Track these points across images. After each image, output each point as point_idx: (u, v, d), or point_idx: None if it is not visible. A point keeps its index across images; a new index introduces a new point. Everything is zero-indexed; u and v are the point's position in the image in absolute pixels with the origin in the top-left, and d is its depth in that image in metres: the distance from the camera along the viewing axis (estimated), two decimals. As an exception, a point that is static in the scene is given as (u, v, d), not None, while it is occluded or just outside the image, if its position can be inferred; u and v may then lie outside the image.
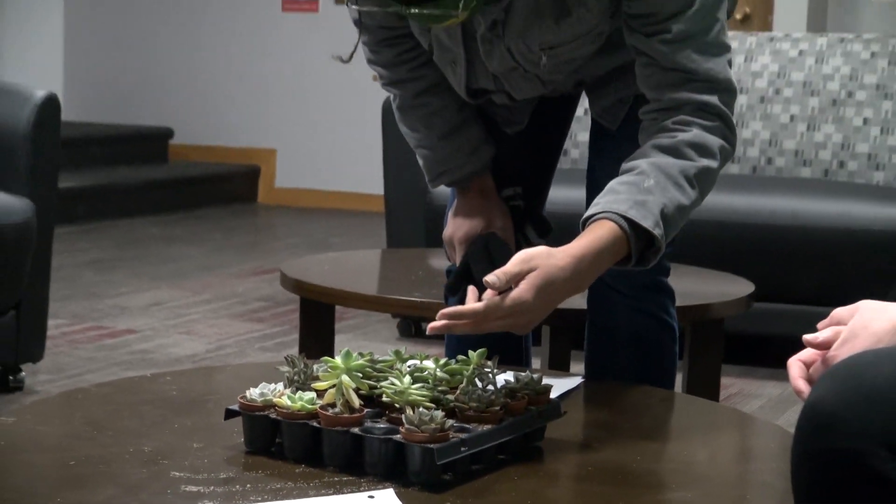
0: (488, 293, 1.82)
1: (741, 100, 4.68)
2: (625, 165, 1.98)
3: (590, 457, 1.78)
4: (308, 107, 7.89)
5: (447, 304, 2.38)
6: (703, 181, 1.98)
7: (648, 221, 1.89)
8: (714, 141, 1.97)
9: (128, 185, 7.23)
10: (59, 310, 4.58)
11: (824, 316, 1.64)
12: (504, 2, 1.95)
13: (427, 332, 1.84)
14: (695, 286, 3.07)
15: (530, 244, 2.24)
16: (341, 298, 3.03)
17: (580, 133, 4.58)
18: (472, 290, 1.91)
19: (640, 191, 1.91)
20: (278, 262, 5.20)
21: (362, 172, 7.55)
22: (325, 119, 7.82)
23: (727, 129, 2.00)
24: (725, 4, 2.01)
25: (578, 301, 2.29)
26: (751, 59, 4.74)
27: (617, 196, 1.92)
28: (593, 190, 2.26)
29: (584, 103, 2.46)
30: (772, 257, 4.04)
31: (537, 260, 1.84)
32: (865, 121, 4.61)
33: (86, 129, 7.70)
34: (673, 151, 1.96)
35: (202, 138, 8.13)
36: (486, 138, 2.22)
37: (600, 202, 1.93)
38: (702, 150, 1.97)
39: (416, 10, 1.75)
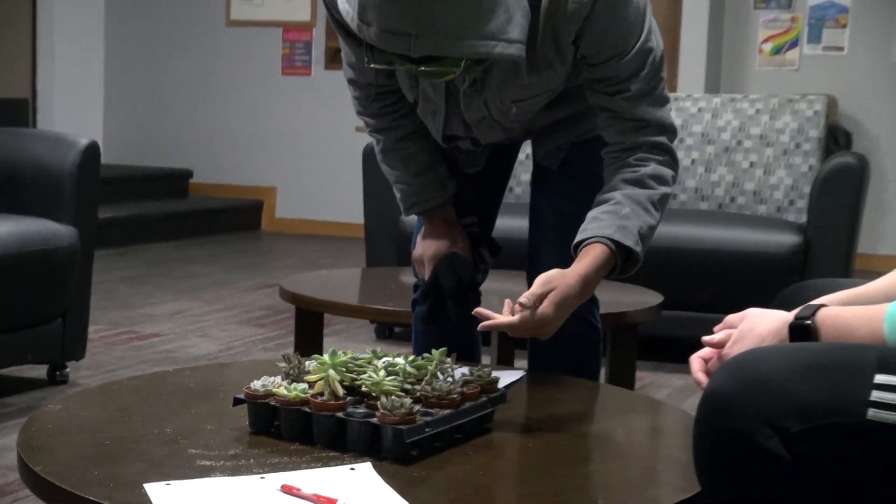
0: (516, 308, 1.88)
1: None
2: (600, 197, 2.03)
3: (530, 436, 1.78)
4: (302, 152, 7.89)
5: (413, 311, 2.39)
6: (663, 204, 2.04)
7: (630, 241, 1.96)
8: (667, 172, 2.04)
9: (155, 215, 7.22)
10: (98, 317, 4.57)
11: (719, 321, 1.65)
12: (485, 64, 1.95)
13: (480, 327, 1.91)
14: (615, 297, 3.08)
15: (485, 262, 2.26)
16: (328, 307, 3.03)
17: (522, 174, 4.59)
18: (507, 304, 1.92)
19: (620, 217, 1.97)
20: (278, 278, 5.18)
21: (346, 205, 7.56)
22: (317, 162, 7.83)
23: (673, 162, 2.06)
24: (666, 67, 2.04)
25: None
26: (660, 114, 4.77)
27: (601, 223, 1.97)
28: (535, 217, 2.28)
29: (524, 150, 2.47)
30: (677, 274, 4.05)
31: (555, 282, 1.90)
32: (751, 164, 4.63)
33: (121, 170, 7.69)
34: (638, 183, 2.01)
35: (216, 177, 8.13)
36: (451, 176, 2.24)
37: (588, 228, 1.98)
38: (659, 180, 2.03)
39: (424, 68, 1.76)
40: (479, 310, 1.91)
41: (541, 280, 1.91)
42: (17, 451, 1.58)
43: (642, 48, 1.98)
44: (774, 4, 6.93)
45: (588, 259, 1.95)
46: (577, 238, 1.99)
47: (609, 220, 1.97)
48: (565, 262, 2.09)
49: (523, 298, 1.88)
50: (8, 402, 3.42)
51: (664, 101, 2.05)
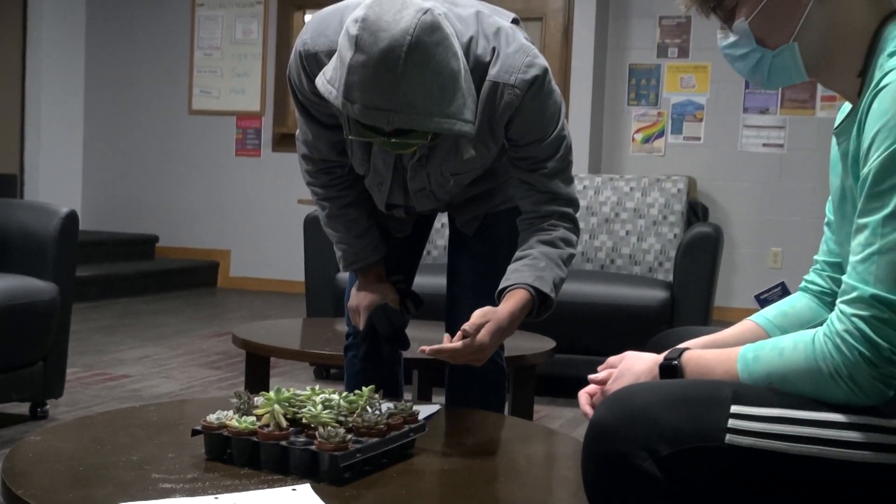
0: (458, 336, 1.91)
1: (546, 218, 4.75)
2: (520, 253, 2.07)
3: (446, 460, 1.77)
4: (253, 221, 7.84)
5: (346, 355, 2.37)
6: (569, 262, 2.10)
7: (547, 288, 2.01)
8: (573, 237, 2.10)
9: (126, 274, 7.11)
10: (75, 361, 4.48)
11: (602, 362, 1.66)
12: (434, 141, 1.98)
13: (425, 353, 1.91)
14: (516, 343, 3.08)
15: (409, 312, 2.26)
16: (274, 352, 2.99)
17: (437, 240, 4.61)
18: (447, 337, 1.93)
19: (538, 269, 2.01)
20: (231, 327, 5.12)
21: (289, 265, 7.52)
22: (265, 229, 7.78)
23: (577, 230, 2.12)
24: (573, 151, 2.10)
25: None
26: (552, 190, 4.82)
27: (522, 273, 2.01)
28: (453, 275, 2.30)
29: (440, 219, 2.49)
30: (568, 323, 4.08)
31: (490, 315, 1.94)
32: (627, 232, 4.70)
33: (97, 235, 7.58)
34: (551, 244, 2.06)
35: (179, 242, 8.03)
36: (383, 240, 2.24)
37: (511, 277, 2.02)
38: (567, 242, 2.08)
39: (395, 140, 1.77)
40: (431, 349, 1.90)
41: (479, 313, 1.94)
42: (1, 477, 1.53)
43: (559, 135, 2.02)
44: (644, 102, 7.06)
45: (513, 301, 1.98)
46: (502, 285, 2.02)
47: (529, 272, 2.01)
48: (473, 311, 2.11)
49: (466, 326, 1.90)
50: (-6, 434, 3.33)
51: (572, 181, 2.11)
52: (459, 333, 1.91)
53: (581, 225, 4.71)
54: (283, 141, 7.72)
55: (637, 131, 7.07)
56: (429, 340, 2.92)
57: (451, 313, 2.28)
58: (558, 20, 6.97)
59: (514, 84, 1.91)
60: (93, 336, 5.35)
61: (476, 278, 2.22)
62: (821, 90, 6.66)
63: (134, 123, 8.14)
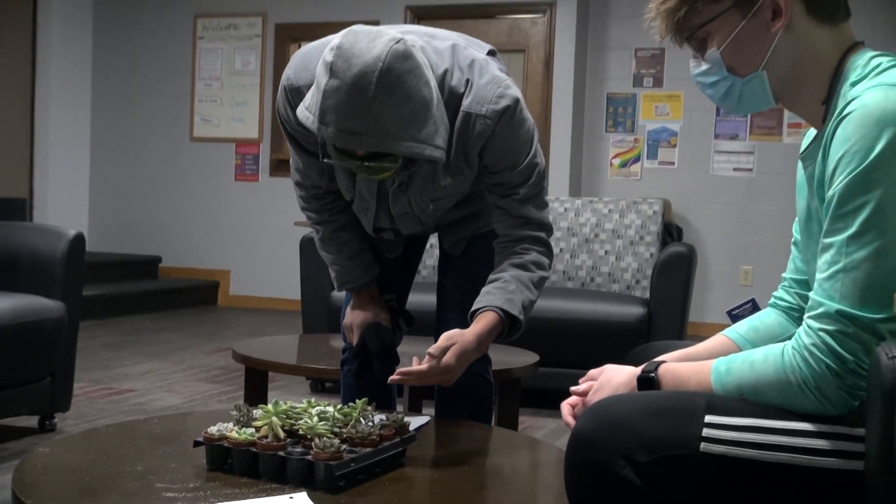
0: (426, 360, 1.92)
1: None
2: (492, 276, 2.06)
3: (435, 469, 1.76)
4: (251, 242, 7.82)
5: (342, 370, 2.36)
6: (540, 285, 2.09)
7: (515, 311, 2.00)
8: (545, 260, 2.08)
9: (130, 293, 7.08)
10: (81, 376, 4.45)
11: (583, 375, 1.66)
12: (411, 168, 1.98)
13: (389, 382, 1.91)
14: (501, 357, 3.08)
15: (401, 330, 2.26)
16: (272, 367, 2.98)
17: (428, 259, 4.61)
18: (416, 359, 1.94)
19: (508, 292, 2.01)
20: (231, 343, 5.10)
21: (286, 285, 7.50)
22: (263, 250, 7.76)
23: (549, 253, 2.10)
24: (547, 179, 2.10)
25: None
26: (535, 212, 4.82)
27: (493, 296, 2.01)
28: (442, 294, 2.30)
29: (430, 241, 2.49)
30: (550, 338, 4.08)
31: (455, 338, 1.94)
32: (606, 252, 4.70)
33: (103, 256, 7.56)
34: (522, 267, 2.05)
35: (181, 262, 8.01)
36: (375, 261, 2.24)
37: (482, 300, 2.02)
38: (539, 265, 2.07)
39: (368, 164, 1.77)
40: (399, 371, 1.90)
41: (444, 336, 1.94)
42: (12, 488, 1.52)
43: (531, 162, 2.02)
44: (621, 129, 7.09)
45: (482, 323, 1.98)
46: (473, 307, 2.02)
47: (499, 294, 2.00)
48: (461, 327, 2.11)
49: (431, 350, 1.90)
50: (4, 447, 3.30)
51: (545, 205, 2.09)
52: (427, 356, 1.90)
53: (562, 245, 4.75)
54: (280, 166, 7.72)
55: (615, 156, 7.10)
56: (420, 355, 2.92)
57: (439, 330, 2.27)
58: (540, 52, 7.00)
59: (485, 114, 1.91)
60: (99, 352, 5.32)
61: (462, 296, 2.22)
62: (787, 117, 6.70)
63: (138, 150, 8.13)
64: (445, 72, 1.91)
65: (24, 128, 7.76)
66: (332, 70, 1.70)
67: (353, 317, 2.20)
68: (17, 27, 7.64)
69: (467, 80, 1.92)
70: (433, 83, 1.78)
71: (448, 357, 1.91)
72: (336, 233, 2.21)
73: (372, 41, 1.71)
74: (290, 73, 1.98)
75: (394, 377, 1.89)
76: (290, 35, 7.64)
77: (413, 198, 2.06)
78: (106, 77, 8.18)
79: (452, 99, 1.91)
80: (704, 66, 1.49)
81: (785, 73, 1.45)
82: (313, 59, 1.93)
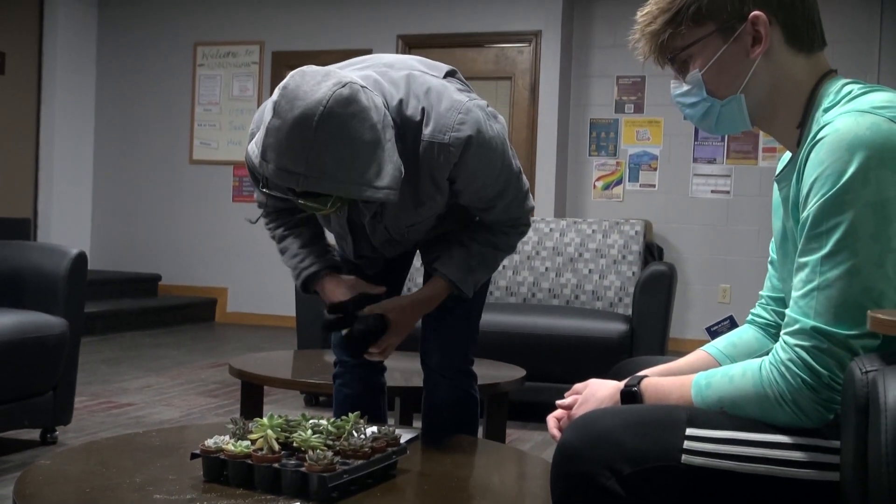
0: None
1: (516, 257, 4.76)
2: (464, 238, 2.09)
3: (426, 480, 1.75)
4: (248, 261, 7.81)
5: (334, 384, 2.33)
6: (500, 261, 2.14)
7: (468, 290, 2.09)
8: (517, 241, 2.14)
9: (130, 310, 7.05)
10: (82, 390, 4.42)
11: (568, 389, 1.65)
12: (377, 205, 1.96)
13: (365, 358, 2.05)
14: (491, 372, 3.08)
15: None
16: (267, 381, 2.97)
17: (417, 278, 4.60)
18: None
19: (469, 269, 2.08)
20: (227, 359, 5.08)
21: (282, 302, 7.48)
22: (259, 268, 7.75)
23: (525, 230, 2.14)
24: (524, 178, 2.08)
25: (417, 381, 2.28)
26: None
27: (454, 266, 2.07)
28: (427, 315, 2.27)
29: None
30: (537, 354, 4.07)
31: (392, 314, 2.04)
32: (590, 270, 4.71)
33: (104, 274, 7.53)
34: (494, 246, 2.10)
35: (180, 280, 7.98)
36: (330, 253, 2.16)
37: (445, 264, 2.08)
38: (509, 247, 2.12)
39: (302, 202, 1.75)
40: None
41: (381, 307, 2.04)
42: (13, 499, 1.50)
43: (507, 174, 1.99)
44: (604, 153, 7.11)
45: (431, 290, 2.09)
46: (435, 264, 2.09)
47: (460, 268, 2.07)
48: (445, 346, 2.12)
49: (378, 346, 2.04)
50: (6, 459, 3.27)
51: (523, 200, 2.08)
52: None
53: (548, 264, 4.76)
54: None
55: (598, 179, 7.12)
56: (408, 369, 2.91)
57: (423, 346, 2.26)
58: (526, 79, 7.03)
59: (448, 143, 1.85)
60: (99, 367, 5.29)
61: (442, 313, 2.19)
62: (763, 142, 6.73)
63: (139, 172, 8.12)
64: (401, 102, 1.85)
65: (29, 150, 7.75)
66: (275, 110, 1.67)
67: (331, 294, 2.08)
68: (23, 54, 7.63)
69: (422, 109, 1.86)
70: (379, 126, 1.72)
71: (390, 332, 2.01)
72: (294, 228, 2.17)
73: (318, 84, 1.67)
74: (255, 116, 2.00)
75: (370, 357, 2.01)
76: (286, 62, 7.66)
77: (390, 226, 2.03)
78: (109, 102, 8.17)
79: (409, 127, 1.85)
80: (685, 88, 1.50)
81: (762, 98, 1.46)
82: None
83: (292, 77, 1.70)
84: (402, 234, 2.06)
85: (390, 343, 2.04)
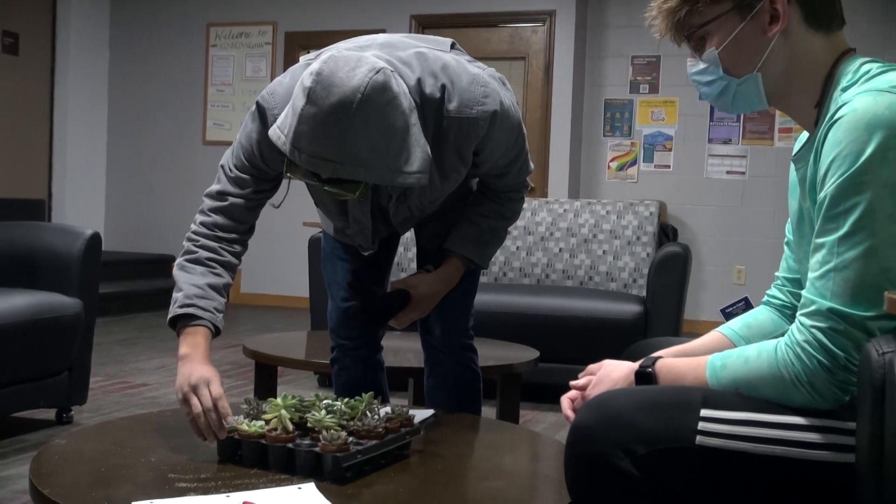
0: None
1: (530, 238, 4.75)
2: (472, 215, 2.13)
3: (439, 460, 1.75)
4: (262, 242, 7.78)
5: (332, 368, 2.33)
6: (506, 228, 2.17)
7: (485, 264, 2.14)
8: (521, 208, 2.18)
9: (145, 291, 7.08)
10: (97, 370, 4.45)
11: (582, 370, 1.65)
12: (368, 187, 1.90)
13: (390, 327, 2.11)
14: (503, 353, 3.08)
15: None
16: (281, 362, 2.98)
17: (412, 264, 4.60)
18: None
19: (481, 244, 2.12)
20: (241, 339, 5.10)
21: (295, 283, 7.50)
22: (273, 249, 7.76)
23: (524, 194, 2.17)
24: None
25: (422, 362, 2.31)
26: (535, 213, 4.82)
27: (467, 244, 2.10)
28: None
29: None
30: (550, 335, 4.08)
31: (415, 290, 2.06)
32: (604, 251, 4.70)
33: (119, 255, 7.55)
34: (501, 216, 2.13)
35: (193, 261, 8.01)
36: (220, 309, 1.90)
37: (458, 244, 2.11)
38: (514, 214, 2.16)
39: (328, 188, 1.74)
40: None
41: (403, 282, 2.07)
42: (29, 478, 1.52)
43: (521, 144, 2.02)
44: (618, 133, 7.09)
45: (449, 269, 2.11)
46: (447, 245, 2.12)
47: (473, 244, 2.11)
48: (447, 320, 2.18)
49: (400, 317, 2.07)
50: (23, 438, 3.29)
51: (528, 162, 2.10)
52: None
53: (562, 245, 4.75)
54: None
55: (612, 160, 7.09)
56: (409, 349, 2.91)
57: (423, 326, 2.27)
58: (540, 60, 6.99)
59: (476, 117, 1.86)
60: (114, 348, 5.32)
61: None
62: (779, 122, 6.69)
63: (153, 153, 8.14)
64: (419, 81, 1.85)
65: (43, 132, 7.78)
66: (309, 96, 1.64)
67: (196, 371, 1.75)
68: (37, 37, 7.65)
69: (442, 86, 1.85)
70: (409, 110, 1.73)
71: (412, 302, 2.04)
72: (218, 265, 1.95)
73: (352, 70, 1.65)
74: (266, 94, 1.92)
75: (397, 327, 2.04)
76: (299, 42, 7.64)
77: (413, 205, 2.04)
78: (122, 83, 8.18)
79: (430, 106, 1.85)
80: (702, 66, 1.49)
81: (779, 76, 1.45)
82: (288, 87, 1.87)
83: (325, 63, 1.67)
84: (422, 210, 2.06)
85: (410, 317, 2.07)
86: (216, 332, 1.86)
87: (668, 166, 6.97)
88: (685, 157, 6.92)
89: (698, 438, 1.31)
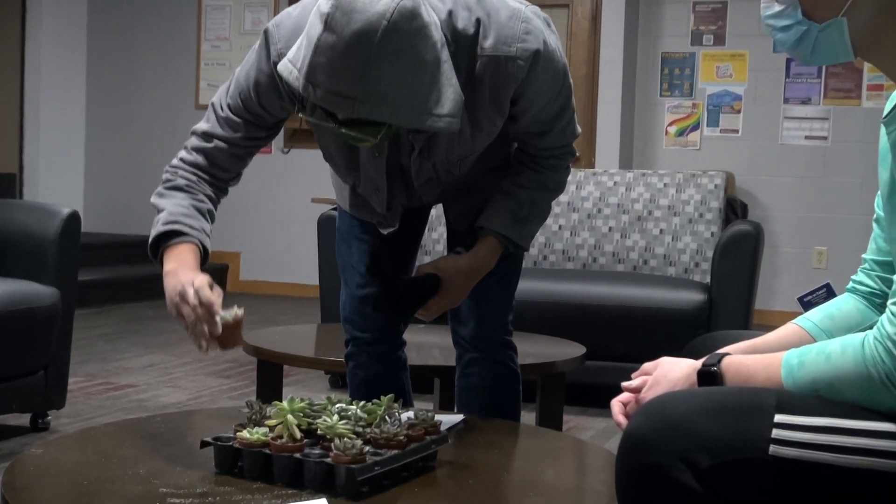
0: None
1: (574, 216, 4.74)
2: (509, 187, 2.09)
3: (470, 474, 1.76)
4: (264, 221, 7.87)
5: (347, 366, 2.35)
6: (549, 202, 2.14)
7: (525, 243, 2.11)
8: (566, 177, 2.15)
9: (129, 278, 7.15)
10: (77, 370, 4.48)
11: (636, 369, 1.65)
12: (425, 138, 1.93)
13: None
14: (544, 349, 3.08)
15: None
16: (287, 360, 3.00)
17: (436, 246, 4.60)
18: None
19: (519, 220, 2.08)
20: (242, 333, 5.13)
21: (303, 269, 7.53)
22: (276, 230, 7.81)
23: (571, 161, 2.15)
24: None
25: (450, 360, 2.31)
26: (580, 187, 4.81)
27: (502, 219, 2.06)
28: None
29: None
30: (598, 328, 4.07)
31: (445, 273, 2.03)
32: (661, 231, 4.68)
33: (100, 237, 7.62)
34: (543, 187, 2.10)
35: (186, 244, 8.07)
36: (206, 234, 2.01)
37: (492, 220, 2.07)
38: (558, 185, 2.13)
39: (345, 131, 1.74)
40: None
41: (433, 265, 2.04)
42: (1, 493, 1.54)
43: (566, 95, 2.00)
44: (678, 92, 7.05)
45: (483, 250, 2.07)
46: (480, 222, 2.08)
47: (509, 219, 2.07)
48: (481, 314, 2.17)
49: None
50: (-7, 447, 3.34)
51: (574, 122, 2.09)
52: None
53: (612, 224, 4.74)
54: (296, 137, 7.67)
55: (671, 124, 7.06)
56: (436, 345, 2.92)
57: (453, 316, 2.25)
58: (586, 7, 6.95)
59: (515, 55, 1.86)
60: (96, 343, 5.37)
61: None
62: (867, 78, 6.62)
63: (139, 119, 8.19)
64: (449, 14, 1.84)
65: (12, 95, 7.84)
66: (328, 23, 1.63)
67: (182, 280, 1.87)
68: (3, -17, 7.69)
69: (477, 20, 1.86)
70: (440, 44, 1.73)
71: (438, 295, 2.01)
72: (199, 191, 2.04)
73: None
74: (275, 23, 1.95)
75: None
76: (306, -10, 7.65)
77: (439, 161, 2.02)
78: (103, 37, 8.23)
79: (462, 43, 1.85)
80: (777, 8, 1.47)
81: (868, 22, 1.43)
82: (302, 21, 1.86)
83: None
84: (448, 170, 2.04)
85: (441, 306, 2.05)
86: (205, 255, 1.93)
87: (737, 131, 6.92)
88: (756, 120, 6.87)
89: (771, 448, 1.31)
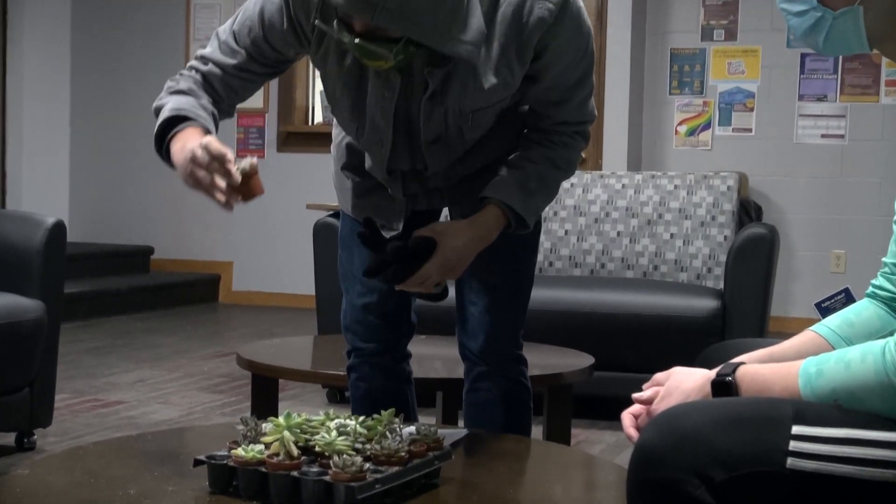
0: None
1: (581, 220, 4.74)
2: (517, 160, 2.06)
3: (475, 490, 1.76)
4: (257, 230, 7.86)
5: (349, 378, 2.34)
6: (558, 181, 2.11)
7: (531, 218, 2.05)
8: (578, 157, 2.12)
9: (118, 290, 7.15)
10: (64, 386, 4.48)
11: (647, 380, 1.65)
12: (448, 67, 1.91)
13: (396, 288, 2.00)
14: (550, 360, 3.08)
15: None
16: (283, 373, 3.00)
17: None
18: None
19: (527, 191, 2.03)
20: (234, 347, 5.13)
21: (299, 278, 7.52)
22: (270, 238, 7.80)
23: (585, 142, 2.12)
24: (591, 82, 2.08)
25: (459, 372, 2.31)
26: (587, 190, 4.81)
27: (509, 190, 2.02)
28: (460, 286, 2.24)
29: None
30: (607, 337, 4.06)
31: (442, 237, 1.98)
32: (672, 235, 4.68)
33: (86, 247, 7.62)
34: (553, 164, 2.07)
35: (176, 253, 8.07)
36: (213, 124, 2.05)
37: (499, 190, 2.02)
38: (569, 165, 2.10)
39: (359, 42, 1.74)
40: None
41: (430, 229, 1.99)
42: (-14, 515, 1.54)
43: (588, 63, 2.00)
44: (688, 90, 7.05)
45: (484, 219, 2.02)
46: (484, 193, 2.03)
47: (516, 191, 2.02)
48: (491, 326, 2.10)
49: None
50: (-24, 468, 3.34)
51: (591, 98, 2.09)
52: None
53: (620, 228, 4.74)
54: (290, 140, 7.74)
55: (681, 123, 7.06)
56: (442, 356, 2.92)
57: (461, 328, 2.24)
58: (591, 2, 6.96)
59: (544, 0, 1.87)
60: (83, 358, 5.37)
61: (483, 287, 2.17)
62: (886, 73, 6.62)
63: (126, 123, 8.19)
64: None
65: (-7, 100, 7.83)
66: None
67: (193, 143, 1.88)
68: (-17, -16, 7.71)
69: None
70: None
71: (430, 263, 1.95)
72: (199, 92, 2.04)
73: None
74: None
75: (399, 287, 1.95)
76: (299, -13, 7.66)
77: (451, 109, 1.98)
78: (88, 37, 8.23)
79: None
80: (792, -9, 1.48)
81: (887, 11, 1.43)
82: None
83: None
84: (459, 129, 2.03)
85: (438, 273, 1.97)
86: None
87: (750, 130, 6.92)
88: (770, 119, 6.87)
89: (789, 461, 1.31)
